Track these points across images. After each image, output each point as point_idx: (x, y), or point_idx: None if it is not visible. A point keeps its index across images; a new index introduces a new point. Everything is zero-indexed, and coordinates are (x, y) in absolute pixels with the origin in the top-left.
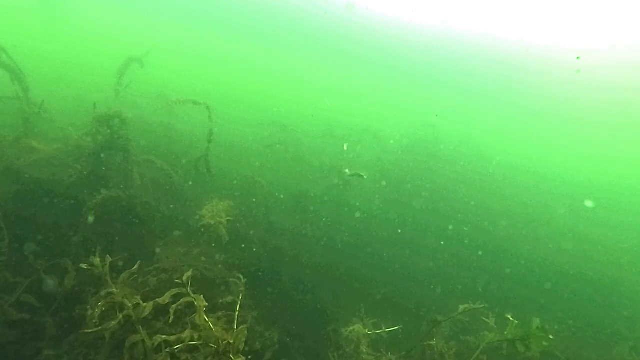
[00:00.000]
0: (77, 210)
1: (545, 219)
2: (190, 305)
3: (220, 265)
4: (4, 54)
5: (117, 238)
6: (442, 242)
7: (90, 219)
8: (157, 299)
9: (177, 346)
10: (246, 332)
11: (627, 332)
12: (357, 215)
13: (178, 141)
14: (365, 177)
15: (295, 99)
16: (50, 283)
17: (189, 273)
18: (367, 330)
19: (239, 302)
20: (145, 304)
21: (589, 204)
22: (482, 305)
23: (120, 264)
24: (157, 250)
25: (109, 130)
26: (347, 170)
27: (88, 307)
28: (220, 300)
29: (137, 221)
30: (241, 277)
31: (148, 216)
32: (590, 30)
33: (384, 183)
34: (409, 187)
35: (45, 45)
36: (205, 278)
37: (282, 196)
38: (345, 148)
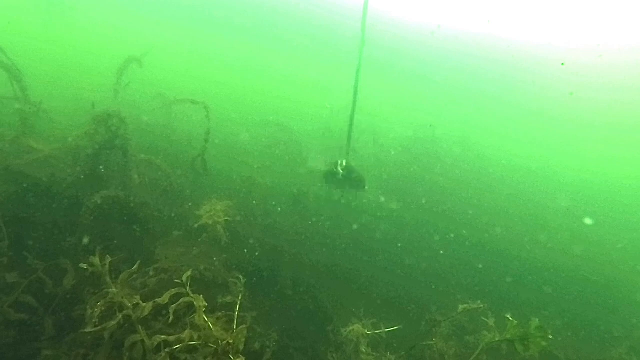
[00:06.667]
0: (76, 210)
1: (544, 219)
2: (190, 306)
3: (219, 265)
4: (2, 53)
5: (115, 241)
6: (440, 242)
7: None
8: (157, 299)
9: (177, 346)
10: (246, 332)
11: (626, 333)
12: (356, 215)
13: (177, 141)
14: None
15: (294, 99)
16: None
17: (189, 273)
18: (366, 331)
19: (239, 302)
20: (144, 304)
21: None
22: (481, 305)
23: (120, 264)
24: (156, 250)
25: (107, 130)
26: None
27: (87, 307)
28: (220, 301)
29: (136, 221)
30: (240, 277)
31: (147, 216)
32: (591, 30)
33: (382, 183)
34: (408, 187)
35: (43, 44)
36: (204, 278)
37: (280, 196)
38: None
